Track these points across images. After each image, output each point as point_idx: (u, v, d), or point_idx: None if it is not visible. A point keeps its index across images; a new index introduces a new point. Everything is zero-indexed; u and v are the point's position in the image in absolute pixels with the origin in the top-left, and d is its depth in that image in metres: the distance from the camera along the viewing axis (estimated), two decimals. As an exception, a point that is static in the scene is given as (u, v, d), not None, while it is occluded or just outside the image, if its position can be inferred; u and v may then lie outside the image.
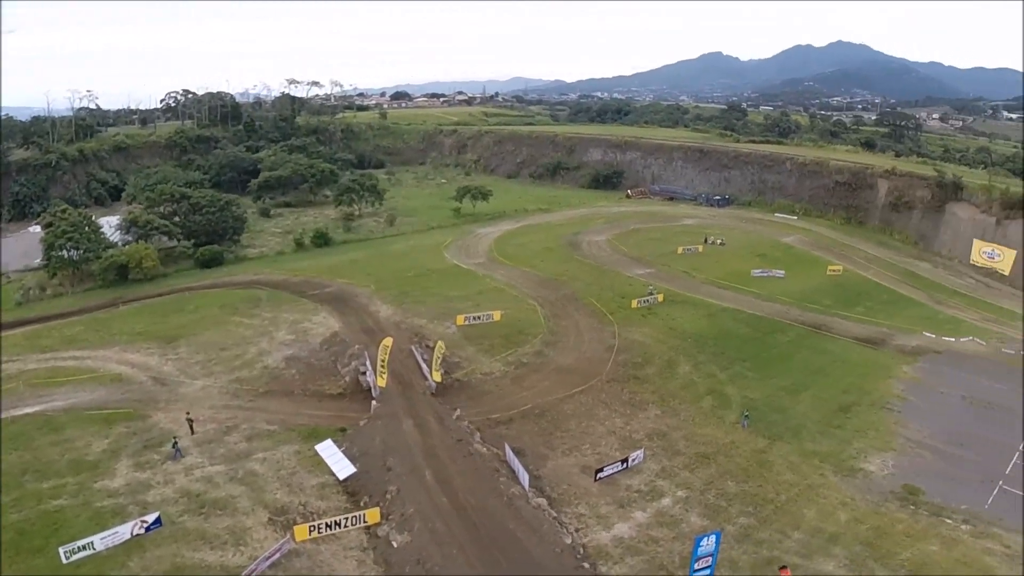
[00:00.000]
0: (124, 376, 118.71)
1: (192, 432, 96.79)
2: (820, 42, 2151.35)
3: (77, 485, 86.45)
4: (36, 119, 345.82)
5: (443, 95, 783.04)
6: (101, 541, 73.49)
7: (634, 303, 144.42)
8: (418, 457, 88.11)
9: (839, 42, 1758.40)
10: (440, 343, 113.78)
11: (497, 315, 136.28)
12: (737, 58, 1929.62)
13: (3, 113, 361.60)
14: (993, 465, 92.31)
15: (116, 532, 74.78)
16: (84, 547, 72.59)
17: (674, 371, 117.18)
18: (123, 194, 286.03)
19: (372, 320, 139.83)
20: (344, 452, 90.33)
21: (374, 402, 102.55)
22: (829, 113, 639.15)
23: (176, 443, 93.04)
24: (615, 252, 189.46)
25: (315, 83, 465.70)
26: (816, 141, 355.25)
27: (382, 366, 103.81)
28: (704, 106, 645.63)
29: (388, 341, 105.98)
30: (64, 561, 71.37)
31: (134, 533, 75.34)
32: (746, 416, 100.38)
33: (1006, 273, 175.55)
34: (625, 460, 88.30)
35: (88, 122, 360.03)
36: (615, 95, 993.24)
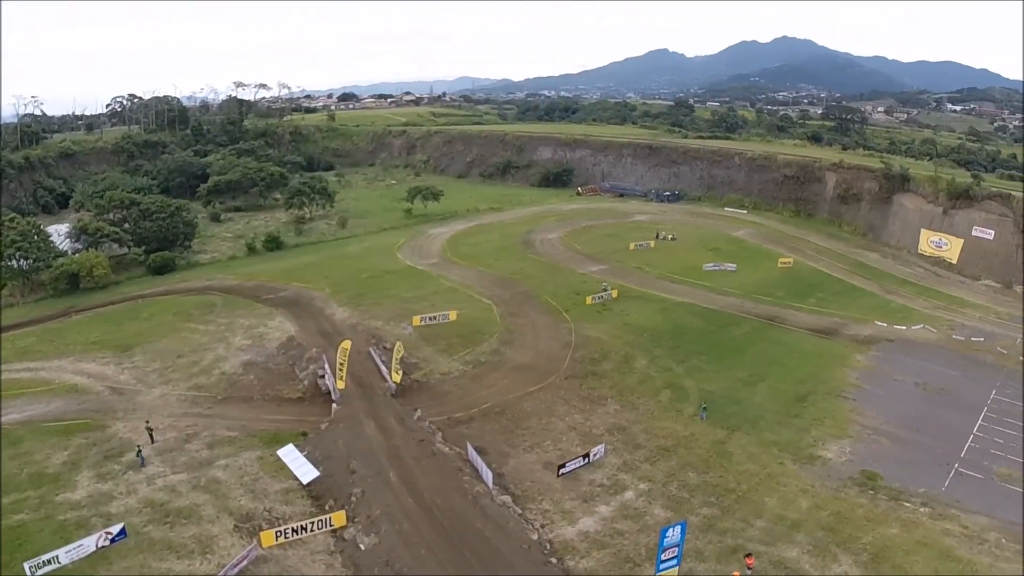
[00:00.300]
0: (80, 387, 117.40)
1: (152, 441, 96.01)
2: (765, 38, 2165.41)
3: (39, 499, 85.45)
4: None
5: (391, 96, 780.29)
6: (66, 555, 72.82)
7: (589, 300, 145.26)
8: (382, 459, 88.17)
9: (784, 38, 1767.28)
10: (399, 344, 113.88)
11: (453, 315, 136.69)
12: (683, 54, 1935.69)
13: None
14: (948, 449, 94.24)
15: (81, 545, 74.07)
16: (49, 561, 71.84)
17: (631, 366, 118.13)
18: (71, 201, 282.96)
19: (328, 323, 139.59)
20: (307, 456, 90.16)
21: (334, 405, 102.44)
22: (776, 108, 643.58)
23: (140, 451, 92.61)
24: (568, 249, 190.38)
25: (262, 85, 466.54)
26: (764, 136, 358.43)
27: (341, 369, 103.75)
28: (652, 103, 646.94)
29: (347, 344, 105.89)
30: (29, 576, 70.55)
31: (99, 545, 74.67)
32: (704, 408, 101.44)
33: (954, 261, 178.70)
34: (587, 455, 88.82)
35: (33, 128, 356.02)
36: (563, 93, 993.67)
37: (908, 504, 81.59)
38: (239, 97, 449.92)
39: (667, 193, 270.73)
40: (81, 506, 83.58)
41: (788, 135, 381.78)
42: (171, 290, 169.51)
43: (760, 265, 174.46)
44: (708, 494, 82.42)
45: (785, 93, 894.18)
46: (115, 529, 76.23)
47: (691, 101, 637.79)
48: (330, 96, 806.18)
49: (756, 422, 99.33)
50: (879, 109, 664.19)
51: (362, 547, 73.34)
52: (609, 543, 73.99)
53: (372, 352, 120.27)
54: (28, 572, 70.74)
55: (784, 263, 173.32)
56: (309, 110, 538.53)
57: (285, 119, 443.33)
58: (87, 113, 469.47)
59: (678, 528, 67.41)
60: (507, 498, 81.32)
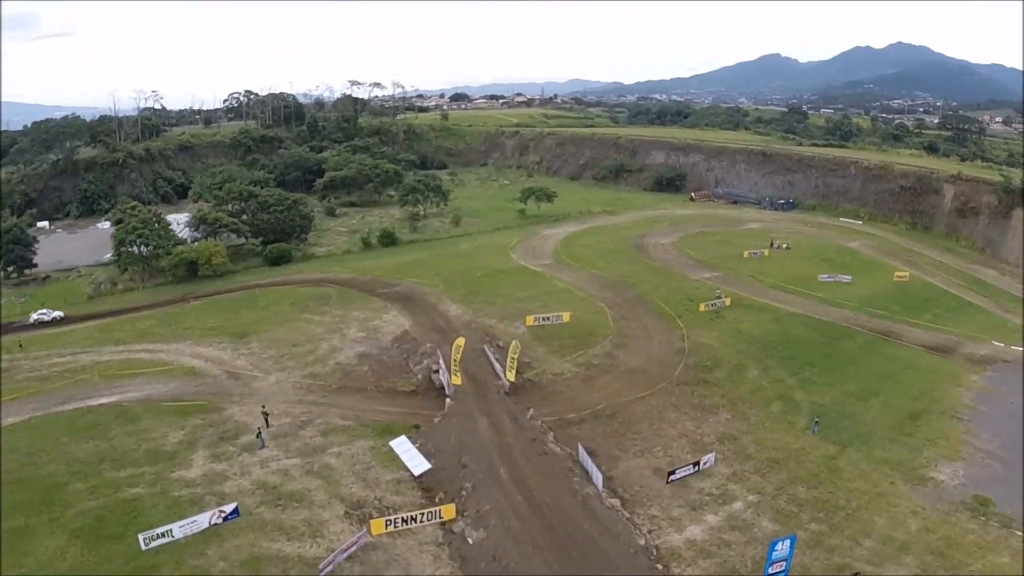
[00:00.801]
0: (198, 370, 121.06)
1: (267, 426, 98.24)
2: (879, 43, 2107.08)
3: (154, 475, 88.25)
4: (103, 118, 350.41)
5: (502, 97, 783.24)
6: (180, 529, 74.91)
7: (702, 306, 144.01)
8: (493, 455, 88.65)
9: (899, 43, 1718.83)
10: (515, 343, 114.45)
11: (566, 316, 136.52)
12: (796, 60, 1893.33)
13: (70, 112, 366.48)
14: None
15: (195, 521, 76.17)
16: (163, 535, 74.05)
17: (743, 375, 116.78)
18: (189, 192, 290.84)
19: (442, 319, 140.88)
20: (419, 448, 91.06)
21: (448, 400, 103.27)
22: (890, 116, 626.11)
23: (260, 433, 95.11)
24: (681, 255, 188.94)
25: (377, 84, 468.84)
26: (879, 145, 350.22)
27: (455, 364, 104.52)
28: (764, 108, 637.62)
29: (461, 341, 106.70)
30: (143, 548, 72.75)
31: (212, 523, 76.72)
32: (816, 422, 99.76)
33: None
34: (697, 463, 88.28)
35: (154, 122, 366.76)
36: (673, 97, 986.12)
37: (1020, 532, 79.22)
38: (353, 95, 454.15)
39: (781, 201, 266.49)
40: (195, 484, 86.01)
41: (904, 144, 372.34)
42: (287, 281, 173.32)
43: (874, 278, 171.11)
44: (817, 509, 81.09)
45: (900, 101, 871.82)
46: (228, 508, 78.26)
47: (804, 108, 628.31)
48: (442, 96, 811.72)
49: (868, 438, 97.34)
50: (997, 119, 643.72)
51: (470, 541, 73.82)
52: (715, 553, 73.32)
53: (486, 349, 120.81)
54: (142, 543, 72.97)
55: (899, 277, 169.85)
56: (422, 109, 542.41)
57: (399, 118, 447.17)
58: (205, 108, 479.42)
59: (787, 542, 66.87)
60: (616, 501, 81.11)
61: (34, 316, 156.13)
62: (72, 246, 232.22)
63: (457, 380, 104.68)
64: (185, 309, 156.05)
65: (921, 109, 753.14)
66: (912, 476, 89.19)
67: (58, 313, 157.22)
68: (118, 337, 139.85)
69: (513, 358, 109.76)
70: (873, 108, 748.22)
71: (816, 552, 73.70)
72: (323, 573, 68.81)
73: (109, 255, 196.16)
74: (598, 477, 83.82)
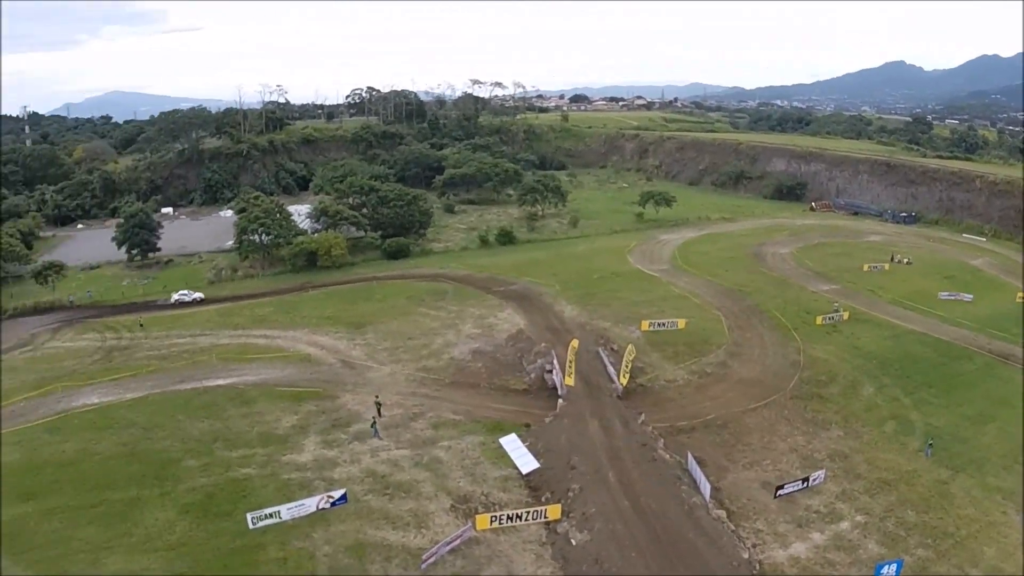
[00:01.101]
0: (313, 357, 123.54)
1: (379, 416, 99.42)
2: (1008, 51, 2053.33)
3: (265, 456, 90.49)
4: (228, 110, 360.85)
5: (622, 99, 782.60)
6: (288, 511, 76.51)
7: (819, 319, 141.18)
8: (602, 458, 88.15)
9: None
10: (631, 348, 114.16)
11: (681, 323, 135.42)
12: (920, 67, 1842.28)
13: (195, 104, 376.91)
14: None
15: (303, 504, 77.74)
16: (271, 515, 75.80)
17: (857, 392, 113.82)
18: (311, 184, 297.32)
19: (557, 320, 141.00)
20: (528, 447, 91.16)
21: (560, 400, 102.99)
22: (1018, 129, 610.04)
23: (375, 423, 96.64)
24: (799, 266, 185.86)
25: (498, 84, 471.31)
26: (1005, 159, 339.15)
27: (570, 366, 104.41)
28: (887, 117, 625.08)
29: (576, 343, 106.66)
30: (250, 526, 74.61)
31: (319, 507, 78.11)
32: (930, 444, 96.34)
33: None
34: (806, 479, 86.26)
35: (277, 115, 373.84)
36: (795, 104, 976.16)
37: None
38: (474, 94, 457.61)
39: (903, 214, 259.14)
40: (306, 468, 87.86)
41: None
42: (404, 275, 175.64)
43: (996, 298, 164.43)
44: (925, 535, 78.29)
45: None
46: (337, 494, 79.59)
47: (929, 118, 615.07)
48: (561, 96, 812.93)
49: (981, 465, 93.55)
50: None
51: (573, 542, 73.46)
52: (819, 572, 71.61)
53: (601, 352, 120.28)
54: (250, 522, 74.80)
55: (1022, 298, 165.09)
56: (541, 110, 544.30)
57: (518, 117, 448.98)
58: (327, 103, 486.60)
59: (894, 566, 65.98)
60: (722, 513, 79.84)
61: (175, 296, 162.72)
62: (194, 232, 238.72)
63: (570, 381, 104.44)
64: (303, 298, 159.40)
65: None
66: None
67: (199, 295, 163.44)
68: (236, 322, 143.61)
69: (628, 363, 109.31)
70: (1000, 120, 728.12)
71: (921, 579, 71.93)
72: (426, 564, 69.21)
73: (230, 242, 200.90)
74: (706, 487, 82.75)
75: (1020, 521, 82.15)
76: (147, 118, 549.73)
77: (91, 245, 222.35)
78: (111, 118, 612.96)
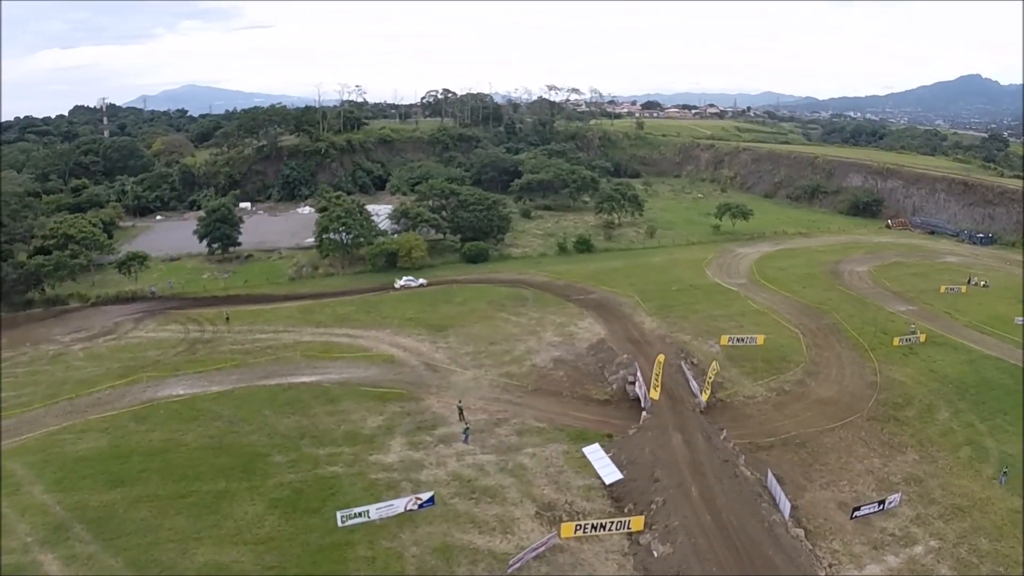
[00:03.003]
0: (396, 358, 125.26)
1: (462, 420, 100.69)
2: None
3: (352, 455, 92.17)
4: (308, 108, 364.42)
5: (694, 107, 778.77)
6: (376, 511, 77.99)
7: (896, 341, 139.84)
8: (685, 472, 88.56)
9: None
10: (715, 364, 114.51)
11: (760, 339, 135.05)
12: (996, 81, 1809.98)
13: (265, 99, 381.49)
14: None
15: (391, 505, 79.25)
16: (360, 514, 77.36)
17: (933, 416, 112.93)
18: (388, 184, 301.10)
19: (637, 331, 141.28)
20: (611, 458, 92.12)
21: (644, 413, 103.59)
22: None
23: (467, 429, 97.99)
24: (876, 284, 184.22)
25: (575, 90, 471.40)
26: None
27: (656, 379, 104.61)
28: (962, 133, 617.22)
29: (662, 357, 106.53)
30: (339, 524, 76.17)
31: (407, 508, 79.46)
32: (1005, 472, 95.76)
33: None
34: (882, 502, 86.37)
35: (355, 114, 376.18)
36: (868, 115, 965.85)
37: None
38: (549, 99, 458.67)
39: (980, 235, 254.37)
40: (392, 469, 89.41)
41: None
42: (483, 279, 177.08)
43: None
44: (997, 563, 78.27)
45: None
46: (425, 496, 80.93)
47: (1005, 134, 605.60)
48: (634, 103, 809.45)
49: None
50: None
51: (655, 554, 74.20)
52: (893, 595, 71.85)
53: (682, 366, 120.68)
54: (339, 520, 76.42)
55: None
56: (615, 116, 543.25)
57: (592, 123, 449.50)
58: (402, 103, 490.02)
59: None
60: (800, 531, 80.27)
61: (400, 283, 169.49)
62: (272, 228, 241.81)
63: (655, 394, 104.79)
64: (384, 298, 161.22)
65: None
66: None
67: (422, 280, 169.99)
68: (319, 319, 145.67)
69: (711, 378, 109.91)
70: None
71: (991, 608, 71.54)
72: (512, 568, 70.39)
73: (310, 239, 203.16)
74: (786, 505, 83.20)
75: None
76: (222, 112, 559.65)
77: (170, 237, 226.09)
78: (187, 111, 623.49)
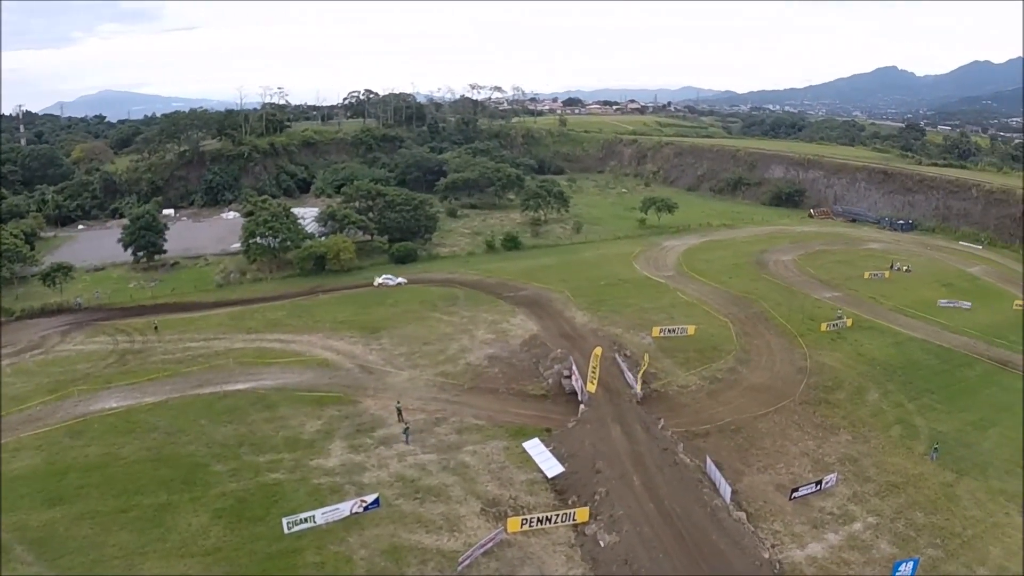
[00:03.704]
0: (331, 362, 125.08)
1: (401, 420, 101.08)
2: (999, 58, 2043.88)
3: (293, 461, 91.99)
4: (230, 112, 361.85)
5: (616, 103, 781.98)
6: (322, 516, 78.17)
7: (823, 326, 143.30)
8: (626, 462, 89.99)
9: (1020, 59, 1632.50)
10: (646, 356, 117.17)
11: (691, 329, 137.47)
12: (913, 73, 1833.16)
13: (186, 104, 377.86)
14: None
15: (337, 509, 79.44)
16: (306, 520, 77.34)
17: (863, 398, 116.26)
18: (312, 187, 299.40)
19: (569, 326, 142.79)
20: (552, 451, 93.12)
21: (582, 406, 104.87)
22: (1009, 135, 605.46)
23: (407, 429, 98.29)
24: (802, 273, 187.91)
25: (497, 88, 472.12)
26: (998, 166, 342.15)
27: (593, 372, 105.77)
28: (880, 123, 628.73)
29: (599, 350, 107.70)
30: (286, 531, 76.13)
31: (353, 511, 79.75)
32: (936, 449, 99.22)
33: None
34: (819, 482, 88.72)
35: (278, 117, 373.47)
36: (787, 108, 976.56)
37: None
38: (473, 98, 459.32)
39: (900, 221, 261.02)
40: (335, 473, 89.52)
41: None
42: (414, 280, 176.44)
43: (995, 305, 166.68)
44: (934, 535, 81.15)
45: (1019, 119, 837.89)
46: (370, 498, 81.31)
47: (921, 123, 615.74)
48: (555, 100, 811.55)
49: (985, 468, 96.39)
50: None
51: (602, 544, 75.39)
52: (836, 571, 74.11)
53: (617, 358, 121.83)
54: (285, 527, 76.37)
55: (1019, 305, 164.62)
56: (537, 113, 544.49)
57: (514, 121, 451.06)
58: (323, 104, 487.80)
59: (911, 564, 68.51)
60: (742, 514, 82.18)
61: (378, 280, 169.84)
62: (198, 234, 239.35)
63: (592, 387, 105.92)
64: (315, 302, 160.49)
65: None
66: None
67: (402, 279, 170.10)
68: (250, 326, 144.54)
69: (643, 369, 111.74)
70: (991, 126, 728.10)
71: (932, 577, 74.17)
72: (462, 566, 71.12)
73: (236, 244, 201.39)
74: (727, 490, 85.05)
75: (1023, 523, 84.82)
76: (141, 118, 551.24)
77: (93, 246, 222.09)
78: (105, 117, 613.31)
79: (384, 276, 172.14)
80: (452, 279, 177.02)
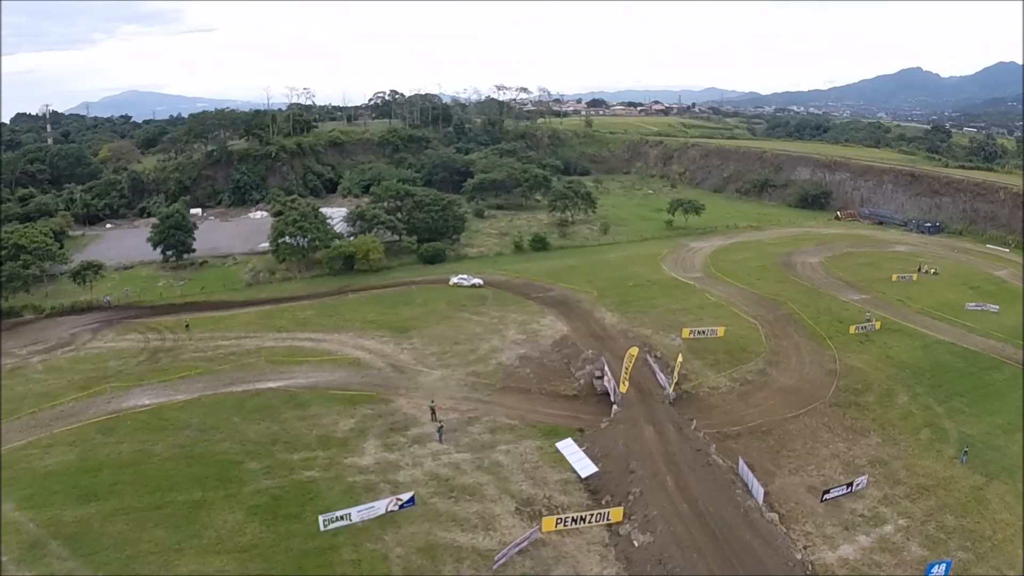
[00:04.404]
0: (362, 361, 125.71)
1: (434, 419, 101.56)
2: None
3: (327, 459, 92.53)
4: (257, 112, 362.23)
5: (640, 104, 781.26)
6: (358, 513, 78.56)
7: (852, 329, 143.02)
8: (659, 463, 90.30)
9: None
10: (680, 356, 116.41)
11: (721, 331, 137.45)
12: (937, 74, 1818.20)
13: (209, 104, 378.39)
14: None
15: (372, 507, 79.80)
16: (341, 517, 77.73)
17: (893, 400, 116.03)
18: (339, 187, 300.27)
19: (598, 326, 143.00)
20: (584, 451, 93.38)
21: (615, 406, 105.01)
22: None
23: (441, 428, 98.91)
24: (829, 275, 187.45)
25: (523, 89, 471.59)
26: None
27: (626, 373, 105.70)
28: (905, 125, 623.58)
29: (634, 351, 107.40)
30: (321, 528, 76.50)
31: (388, 509, 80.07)
32: (965, 452, 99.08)
33: None
34: (850, 484, 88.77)
35: (305, 117, 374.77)
36: (811, 110, 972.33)
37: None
38: (498, 99, 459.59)
39: (927, 224, 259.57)
40: (369, 471, 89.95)
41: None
42: (441, 280, 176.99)
43: (1022, 309, 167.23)
44: (964, 538, 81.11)
45: None
46: (405, 496, 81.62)
47: (947, 125, 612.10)
48: (579, 101, 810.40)
49: (1013, 472, 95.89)
50: None
51: (636, 544, 75.55)
52: (867, 573, 74.19)
53: (649, 359, 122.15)
54: (321, 524, 76.76)
55: None
56: (562, 114, 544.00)
57: (539, 122, 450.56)
58: (349, 105, 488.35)
59: (943, 566, 68.77)
60: (774, 515, 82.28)
61: (454, 280, 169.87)
62: (225, 234, 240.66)
63: (625, 388, 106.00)
64: (344, 302, 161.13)
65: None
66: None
67: (478, 280, 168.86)
68: (279, 324, 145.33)
69: (676, 370, 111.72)
70: (1016, 127, 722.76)
71: (963, 580, 74.16)
72: (498, 564, 71.45)
73: (264, 244, 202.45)
74: (759, 491, 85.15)
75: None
76: (166, 118, 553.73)
77: (122, 245, 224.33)
78: (130, 117, 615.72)
79: (460, 276, 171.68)
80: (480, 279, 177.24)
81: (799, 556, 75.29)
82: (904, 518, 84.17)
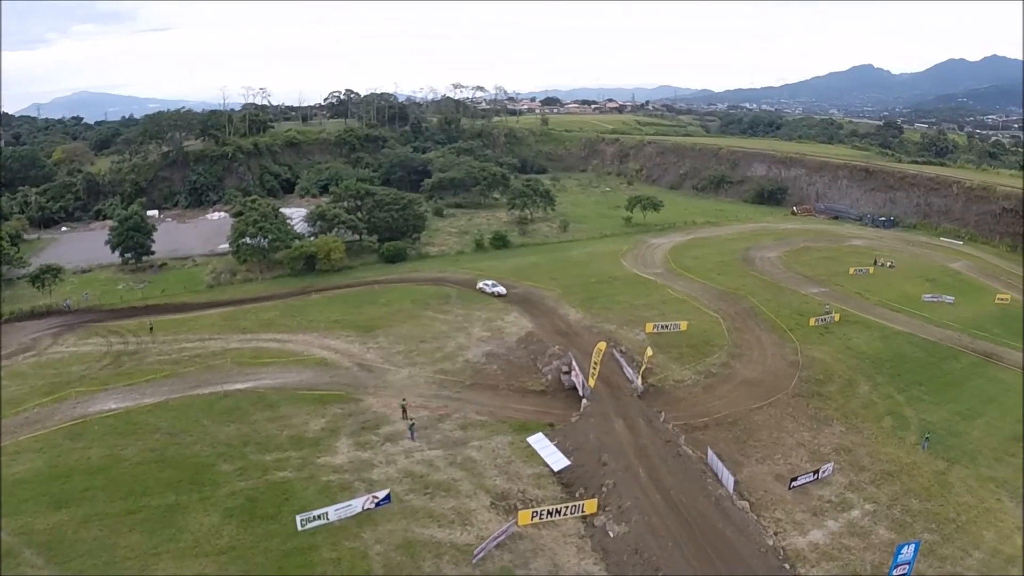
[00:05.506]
0: (329, 361, 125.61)
1: (404, 417, 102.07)
2: (974, 56, 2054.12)
3: (300, 459, 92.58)
4: (213, 113, 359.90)
5: (594, 102, 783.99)
6: (335, 512, 78.96)
7: (812, 321, 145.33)
8: (631, 455, 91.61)
9: (994, 56, 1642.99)
10: (648, 350, 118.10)
11: (683, 325, 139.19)
12: (888, 71, 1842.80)
13: (162, 105, 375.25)
14: None
15: (349, 505, 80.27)
16: (319, 517, 78.14)
17: (854, 390, 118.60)
18: (296, 187, 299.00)
19: (563, 323, 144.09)
20: (556, 446, 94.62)
21: (584, 401, 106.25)
22: (985, 132, 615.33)
23: (413, 425, 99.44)
24: (788, 269, 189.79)
25: (480, 88, 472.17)
26: (976, 163, 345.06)
27: (594, 368, 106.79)
28: (857, 121, 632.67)
29: (602, 345, 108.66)
30: (299, 528, 76.84)
31: (365, 507, 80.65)
32: (927, 438, 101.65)
33: None
34: (816, 472, 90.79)
35: (261, 117, 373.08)
36: (764, 107, 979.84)
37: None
38: (453, 98, 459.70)
39: (882, 218, 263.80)
40: (343, 470, 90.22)
41: (1000, 163, 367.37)
42: (404, 279, 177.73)
43: (977, 299, 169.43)
44: (929, 521, 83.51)
45: (994, 116, 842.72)
46: (381, 494, 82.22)
47: (899, 121, 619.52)
48: (533, 99, 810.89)
49: (974, 457, 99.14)
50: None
51: (611, 534, 76.94)
52: (837, 556, 76.24)
53: (616, 354, 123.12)
54: (299, 524, 77.16)
55: (1001, 299, 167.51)
56: (515, 112, 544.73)
57: (495, 120, 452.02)
58: (304, 104, 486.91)
59: (912, 547, 70.28)
60: (745, 503, 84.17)
61: (480, 285, 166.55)
62: (184, 235, 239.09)
63: (593, 382, 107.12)
64: (307, 302, 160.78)
65: (1016, 125, 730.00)
66: (1017, 494, 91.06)
67: (500, 288, 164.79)
68: (244, 326, 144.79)
69: (644, 364, 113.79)
70: (967, 123, 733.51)
71: (930, 560, 76.15)
72: (476, 559, 72.43)
73: (224, 245, 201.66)
74: (729, 480, 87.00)
75: (1015, 507, 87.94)
76: (118, 119, 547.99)
77: (79, 248, 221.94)
78: (82, 119, 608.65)
79: (483, 282, 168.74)
80: (443, 278, 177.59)
81: (771, 542, 77.32)
82: (870, 503, 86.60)
